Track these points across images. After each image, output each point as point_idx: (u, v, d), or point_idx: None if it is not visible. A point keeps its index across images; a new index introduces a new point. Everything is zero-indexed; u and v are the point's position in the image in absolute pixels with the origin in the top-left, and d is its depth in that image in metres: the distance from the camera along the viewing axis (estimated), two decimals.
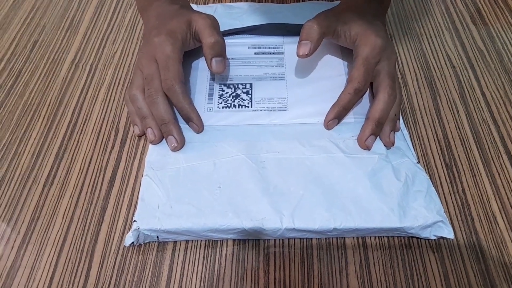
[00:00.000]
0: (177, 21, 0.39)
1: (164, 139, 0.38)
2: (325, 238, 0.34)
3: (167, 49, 0.37)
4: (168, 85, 0.37)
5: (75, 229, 0.35)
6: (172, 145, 0.37)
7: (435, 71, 0.47)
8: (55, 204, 0.36)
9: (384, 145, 0.37)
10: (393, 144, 0.38)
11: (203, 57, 0.45)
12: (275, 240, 0.34)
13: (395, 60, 0.40)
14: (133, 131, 0.41)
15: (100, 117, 0.43)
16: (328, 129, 0.39)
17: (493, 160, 0.39)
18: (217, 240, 0.34)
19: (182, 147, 0.37)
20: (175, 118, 0.38)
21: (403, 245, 0.34)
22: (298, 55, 0.39)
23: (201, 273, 0.32)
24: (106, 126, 0.42)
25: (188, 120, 0.38)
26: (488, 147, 0.40)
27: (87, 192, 0.37)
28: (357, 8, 0.42)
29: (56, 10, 0.56)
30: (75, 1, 0.57)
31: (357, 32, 0.39)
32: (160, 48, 0.37)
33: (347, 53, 0.44)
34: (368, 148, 0.37)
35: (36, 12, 0.55)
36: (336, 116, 0.38)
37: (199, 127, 0.38)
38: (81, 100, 0.44)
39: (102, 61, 0.49)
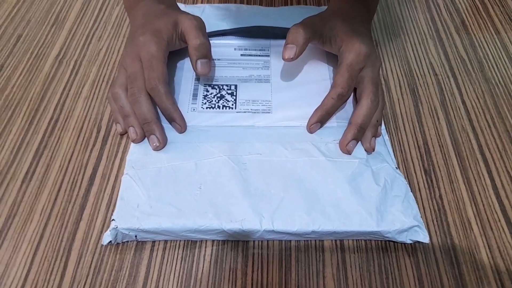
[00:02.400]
0: (163, 21, 0.39)
1: (146, 138, 0.38)
2: (304, 241, 0.34)
3: (152, 49, 0.37)
4: (152, 84, 0.36)
5: (53, 227, 0.34)
6: (154, 144, 0.37)
7: (418, 78, 0.48)
8: (33, 201, 0.36)
9: (365, 150, 0.38)
10: (374, 150, 0.38)
11: (188, 57, 0.45)
12: (254, 241, 0.34)
13: (379, 66, 0.41)
14: (116, 129, 0.40)
15: (83, 114, 0.42)
16: (311, 133, 0.39)
17: (470, 167, 0.40)
18: (196, 241, 0.34)
19: (164, 146, 0.37)
20: (158, 118, 0.38)
21: (379, 249, 0.34)
22: (283, 59, 0.39)
23: (179, 274, 0.32)
24: (88, 124, 0.42)
25: (171, 120, 0.38)
26: (466, 154, 0.41)
27: (66, 190, 0.37)
28: (343, 15, 0.42)
29: (42, 4, 0.55)
30: None
31: (342, 39, 0.39)
32: (145, 47, 0.37)
33: (332, 58, 0.44)
34: (349, 152, 0.37)
35: (22, 6, 0.55)
36: (319, 120, 0.39)
37: (182, 128, 0.38)
38: (63, 97, 0.44)
39: (87, 57, 0.48)
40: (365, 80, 0.39)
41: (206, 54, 0.39)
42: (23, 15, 0.53)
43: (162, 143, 0.37)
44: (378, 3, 0.51)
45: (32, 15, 0.53)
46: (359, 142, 0.38)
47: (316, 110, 0.39)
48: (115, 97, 0.38)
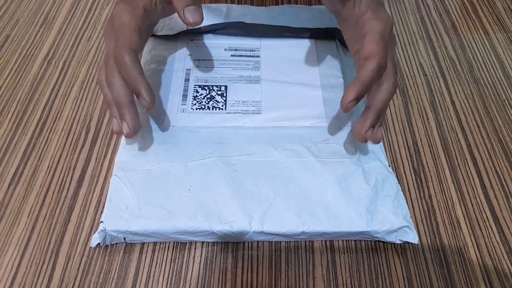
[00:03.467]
0: None
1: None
2: (294, 241, 0.34)
3: (123, 17, 0.33)
4: (116, 55, 0.32)
5: (40, 229, 0.34)
6: (125, 131, 0.33)
7: (408, 79, 0.48)
8: (21, 203, 0.35)
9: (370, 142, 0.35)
10: (379, 141, 0.35)
11: (178, 57, 0.45)
12: (244, 242, 0.34)
13: (395, 46, 0.37)
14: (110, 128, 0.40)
15: (71, 115, 0.42)
16: (347, 111, 0.33)
17: (459, 167, 0.40)
18: (186, 242, 0.34)
19: (136, 134, 0.34)
20: (131, 100, 0.33)
21: (369, 249, 0.34)
22: None
23: (168, 275, 0.32)
24: (77, 125, 0.41)
25: (137, 94, 0.33)
26: (455, 154, 0.41)
27: (54, 192, 0.36)
28: None
29: (30, 4, 0.54)
30: None
31: (368, 3, 0.34)
32: (117, 19, 0.34)
33: (323, 58, 0.44)
34: (366, 140, 0.34)
35: (10, 6, 0.54)
36: (357, 96, 0.32)
37: (148, 103, 0.33)
38: (52, 98, 0.43)
39: (76, 58, 0.48)
40: (388, 58, 0.33)
41: (193, 1, 0.33)
42: (11, 15, 0.53)
43: (132, 130, 0.33)
44: None
45: (21, 15, 0.53)
46: (347, 140, 0.38)
47: (351, 85, 0.32)
48: (99, 86, 0.35)
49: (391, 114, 0.44)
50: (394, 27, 0.35)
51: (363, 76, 0.32)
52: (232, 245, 0.34)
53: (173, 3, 0.34)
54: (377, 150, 0.38)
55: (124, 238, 0.33)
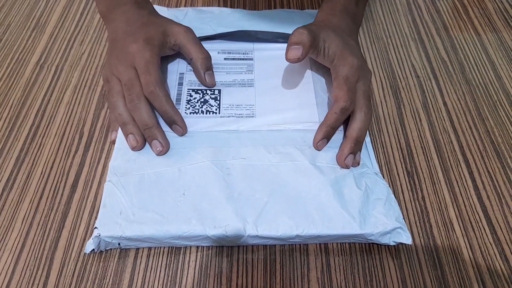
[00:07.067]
0: (153, 29, 0.40)
1: (137, 145, 0.37)
2: (288, 245, 0.34)
3: (146, 55, 0.38)
4: (150, 88, 0.37)
5: (34, 235, 0.34)
6: (158, 149, 0.36)
7: (400, 81, 0.48)
8: (14, 209, 0.35)
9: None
10: (359, 164, 0.38)
11: (172, 61, 0.45)
12: (238, 246, 0.34)
13: (370, 78, 0.40)
14: (110, 138, 0.40)
15: (64, 120, 0.42)
16: (318, 150, 0.38)
17: (452, 168, 0.40)
18: (180, 247, 0.34)
19: (168, 151, 0.37)
20: (158, 122, 0.38)
21: (363, 251, 0.34)
22: (288, 59, 0.37)
23: (163, 281, 0.32)
24: (70, 130, 0.41)
25: (171, 123, 0.38)
26: (448, 155, 0.41)
27: (48, 197, 0.36)
28: (333, 26, 0.41)
29: (22, 8, 0.54)
30: (43, 0, 0.55)
31: (334, 52, 0.39)
32: (139, 54, 0.38)
33: (315, 62, 0.44)
34: (347, 166, 0.37)
35: (1, 10, 0.54)
36: (325, 136, 0.38)
37: (183, 130, 0.38)
38: (45, 102, 0.43)
39: (69, 62, 0.48)
40: (358, 93, 0.38)
41: (210, 66, 0.42)
42: (3, 19, 0.52)
43: (165, 147, 0.37)
44: (363, 15, 0.50)
45: (12, 19, 0.53)
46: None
47: (320, 126, 0.38)
48: (113, 105, 0.38)
49: (383, 115, 0.44)
50: (365, 62, 0.41)
51: (328, 119, 0.38)
52: (226, 249, 0.34)
53: (195, 65, 0.41)
54: (365, 157, 0.38)
55: (119, 244, 0.33)
